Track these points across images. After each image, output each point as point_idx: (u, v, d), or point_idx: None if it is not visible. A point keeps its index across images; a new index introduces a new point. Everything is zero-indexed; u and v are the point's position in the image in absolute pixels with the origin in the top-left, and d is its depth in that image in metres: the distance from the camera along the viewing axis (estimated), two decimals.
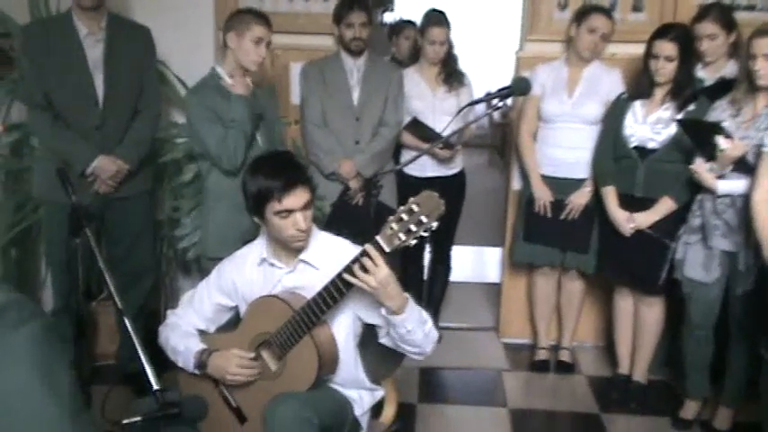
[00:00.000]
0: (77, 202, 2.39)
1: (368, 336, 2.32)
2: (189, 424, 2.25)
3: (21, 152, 3.80)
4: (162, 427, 2.20)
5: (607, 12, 3.60)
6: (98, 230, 2.96)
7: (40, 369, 1.05)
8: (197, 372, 2.29)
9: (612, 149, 3.40)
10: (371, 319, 2.21)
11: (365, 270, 1.98)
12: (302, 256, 2.24)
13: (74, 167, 3.16)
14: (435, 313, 4.19)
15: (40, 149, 3.45)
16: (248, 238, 2.54)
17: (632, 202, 3.35)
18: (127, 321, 2.18)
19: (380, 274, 1.97)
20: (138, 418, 1.92)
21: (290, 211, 2.13)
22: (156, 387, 1.96)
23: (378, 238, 1.99)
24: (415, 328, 2.08)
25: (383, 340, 2.21)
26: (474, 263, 5.58)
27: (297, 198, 2.13)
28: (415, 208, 1.94)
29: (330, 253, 2.23)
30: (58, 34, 3.25)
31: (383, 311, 2.06)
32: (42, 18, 3.65)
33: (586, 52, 3.55)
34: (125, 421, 1.92)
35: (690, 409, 3.36)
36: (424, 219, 1.93)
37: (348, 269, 2.02)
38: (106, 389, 2.92)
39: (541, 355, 4.00)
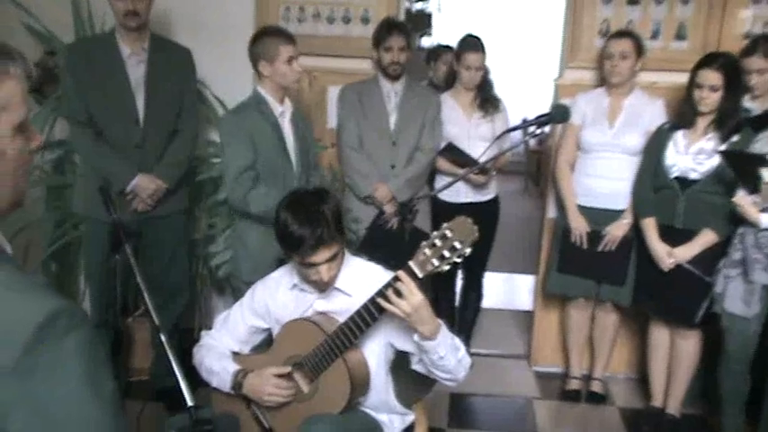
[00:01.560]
0: (118, 219, 2.43)
1: (400, 360, 2.32)
2: None
3: (63, 169, 3.88)
4: None
5: (624, 33, 3.57)
6: (135, 249, 3.00)
7: (88, 375, 1.08)
8: (233, 392, 2.30)
9: (653, 180, 3.37)
10: (404, 345, 2.21)
11: (399, 295, 1.99)
12: (335, 283, 2.25)
13: (114, 185, 3.21)
14: (467, 339, 4.17)
15: (82, 166, 3.52)
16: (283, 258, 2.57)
17: (672, 234, 3.31)
18: (163, 337, 2.21)
19: (414, 299, 1.97)
20: None
21: (313, 264, 2.15)
22: (190, 403, 1.99)
23: (411, 263, 1.99)
24: (447, 355, 2.07)
25: (416, 367, 2.20)
26: (506, 290, 5.55)
27: (320, 256, 2.13)
28: (448, 233, 1.94)
29: (362, 279, 2.23)
30: (101, 53, 3.31)
31: (415, 337, 2.06)
32: (86, 37, 3.75)
33: (611, 77, 3.53)
34: None
35: None
36: (457, 245, 1.93)
37: (381, 294, 2.03)
38: (139, 404, 2.95)
39: (573, 384, 3.96)
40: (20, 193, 1.19)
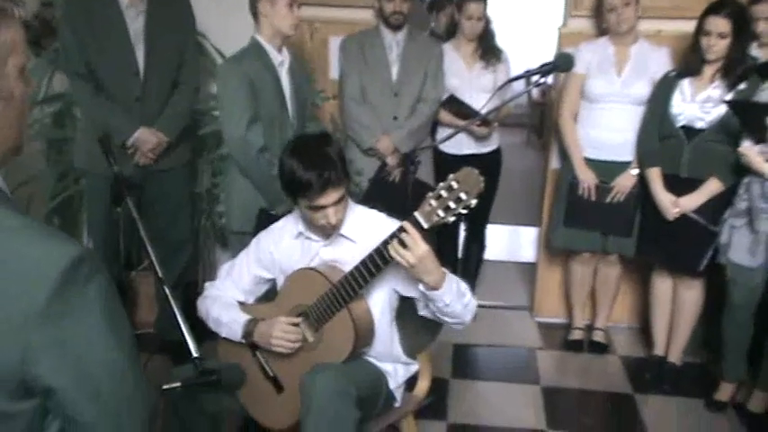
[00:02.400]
0: (119, 171, 2.42)
1: (405, 309, 2.34)
2: (227, 391, 2.29)
3: (63, 122, 3.85)
4: (200, 393, 2.26)
5: None
6: (138, 202, 3.00)
7: (109, 319, 1.10)
8: (243, 341, 2.32)
9: (658, 129, 3.34)
10: (409, 292, 2.22)
11: (404, 246, 1.98)
12: (339, 229, 2.25)
13: (114, 139, 3.19)
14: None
15: (82, 120, 3.50)
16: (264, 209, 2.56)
17: (677, 183, 3.30)
18: (167, 290, 2.22)
19: (418, 250, 1.97)
20: (178, 384, 1.96)
21: (321, 207, 2.15)
22: (195, 355, 2.00)
23: (416, 214, 1.99)
24: (453, 302, 2.08)
25: (422, 312, 2.22)
26: (508, 242, 5.55)
27: (328, 198, 2.14)
28: (454, 185, 1.93)
29: (367, 226, 2.25)
30: (99, 5, 3.25)
31: (421, 287, 2.06)
32: None
33: (618, 27, 3.45)
34: (165, 387, 1.96)
35: (725, 392, 3.32)
36: (463, 196, 1.92)
37: (386, 244, 2.03)
38: (145, 356, 2.98)
39: (575, 334, 3.98)
40: (22, 138, 1.19)
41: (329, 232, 2.24)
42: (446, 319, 2.15)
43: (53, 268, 1.03)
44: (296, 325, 2.26)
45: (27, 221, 1.10)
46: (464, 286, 2.16)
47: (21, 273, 1.03)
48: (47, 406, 1.09)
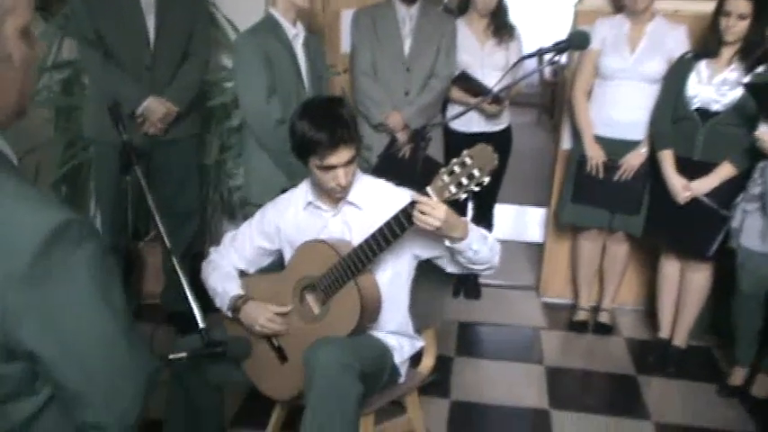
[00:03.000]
0: (129, 140, 2.41)
1: (415, 280, 2.34)
2: (232, 363, 2.30)
3: (71, 90, 3.84)
4: (206, 364, 2.26)
5: None
6: (146, 172, 2.99)
7: (99, 286, 1.09)
8: (230, 315, 2.33)
9: (672, 111, 3.30)
10: (433, 252, 2.23)
11: (423, 214, 1.97)
12: (347, 197, 2.25)
13: (124, 107, 3.17)
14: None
15: (91, 88, 3.48)
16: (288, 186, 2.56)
17: (690, 166, 3.27)
18: (174, 261, 2.22)
19: (439, 212, 1.96)
20: (184, 355, 1.96)
21: (332, 167, 2.13)
22: (202, 326, 2.00)
23: (428, 189, 1.98)
24: (480, 247, 2.09)
25: (450, 269, 2.23)
26: (517, 222, 5.54)
27: (339, 156, 2.12)
28: (468, 161, 1.91)
29: (374, 194, 2.25)
30: None
31: (447, 242, 2.06)
32: None
33: (635, 4, 3.41)
34: (171, 357, 1.96)
35: (738, 377, 3.30)
36: (476, 172, 1.91)
37: (398, 219, 2.01)
38: (150, 327, 2.99)
39: (580, 315, 3.98)
40: (24, 101, 1.18)
41: (339, 195, 2.22)
42: (476, 267, 2.16)
43: (39, 231, 1.02)
44: (301, 295, 2.26)
45: (20, 185, 1.09)
46: (483, 230, 2.16)
47: (6, 234, 1.02)
48: (36, 370, 1.09)
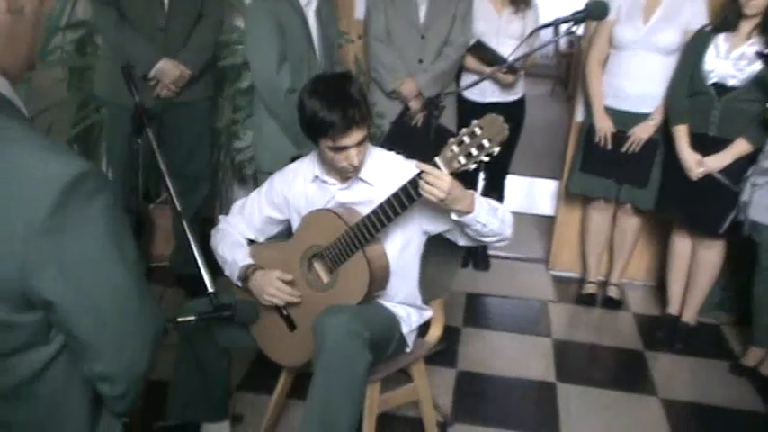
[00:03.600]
0: (140, 102, 2.40)
1: (425, 252, 2.33)
2: (240, 327, 2.31)
3: (85, 50, 3.82)
4: (214, 327, 2.28)
5: None
6: (158, 134, 2.98)
7: (113, 237, 1.10)
8: (239, 284, 2.33)
9: (688, 85, 3.26)
10: (441, 227, 2.21)
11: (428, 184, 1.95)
12: (359, 173, 2.23)
13: (136, 69, 3.15)
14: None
15: (104, 48, 3.46)
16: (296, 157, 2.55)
17: (704, 142, 3.23)
18: (184, 224, 2.22)
19: (443, 184, 1.93)
20: (193, 318, 1.97)
21: (344, 148, 2.11)
22: (210, 289, 2.01)
23: (437, 159, 1.96)
24: (489, 220, 2.06)
25: (462, 242, 2.22)
26: (528, 194, 5.52)
27: (352, 138, 2.10)
28: (477, 131, 1.89)
29: (384, 169, 2.22)
30: None
31: (453, 216, 2.04)
32: None
33: None
34: (179, 319, 1.97)
35: (753, 357, 3.29)
36: (486, 143, 1.89)
37: (406, 189, 2.00)
38: (160, 289, 3.00)
39: (589, 289, 3.98)
40: (34, 56, 1.19)
41: (349, 175, 2.21)
42: (487, 239, 2.14)
43: (56, 182, 1.03)
44: (290, 282, 2.25)
45: (34, 135, 1.10)
46: (494, 202, 2.14)
47: (24, 185, 1.03)
48: (50, 319, 1.10)
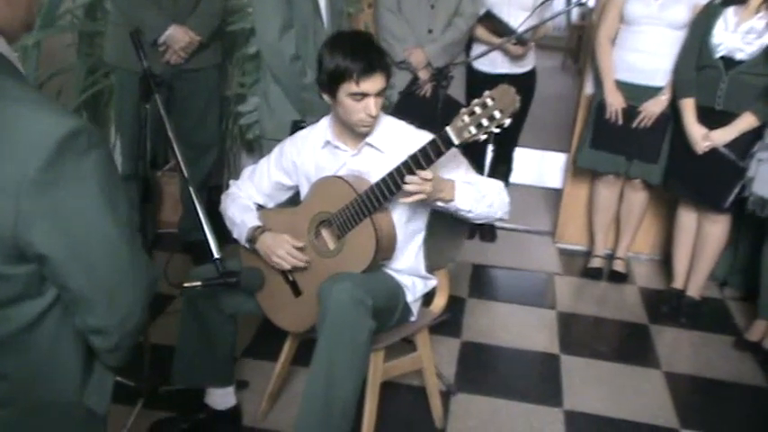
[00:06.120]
0: (149, 67, 2.40)
1: (431, 222, 2.34)
2: (246, 293, 2.32)
3: (95, 15, 3.81)
4: (220, 293, 2.29)
5: None
6: (167, 101, 2.97)
7: (105, 192, 1.12)
8: (247, 246, 2.34)
9: (696, 58, 3.24)
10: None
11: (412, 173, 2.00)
12: (368, 139, 2.23)
13: (146, 35, 3.15)
14: None
15: (114, 14, 3.45)
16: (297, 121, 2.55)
17: (711, 115, 3.21)
18: (192, 190, 2.23)
19: (427, 186, 2.00)
20: (198, 283, 1.99)
21: (364, 95, 2.11)
22: (216, 256, 2.02)
23: (447, 129, 1.96)
24: (474, 206, 2.13)
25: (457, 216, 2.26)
26: (536, 167, 5.49)
27: (374, 83, 2.10)
28: (489, 102, 1.89)
29: (395, 137, 2.23)
30: None
31: (438, 204, 2.10)
32: None
33: None
34: (186, 285, 1.99)
35: (757, 331, 3.30)
36: (497, 114, 1.89)
37: (416, 158, 2.00)
38: (167, 255, 3.02)
39: (595, 262, 3.98)
40: (33, 16, 1.20)
41: (365, 128, 2.19)
42: (476, 221, 2.23)
43: (49, 137, 1.04)
44: (316, 230, 2.26)
45: (30, 92, 1.11)
46: (484, 188, 2.18)
47: (18, 140, 1.04)
48: (43, 272, 1.12)
